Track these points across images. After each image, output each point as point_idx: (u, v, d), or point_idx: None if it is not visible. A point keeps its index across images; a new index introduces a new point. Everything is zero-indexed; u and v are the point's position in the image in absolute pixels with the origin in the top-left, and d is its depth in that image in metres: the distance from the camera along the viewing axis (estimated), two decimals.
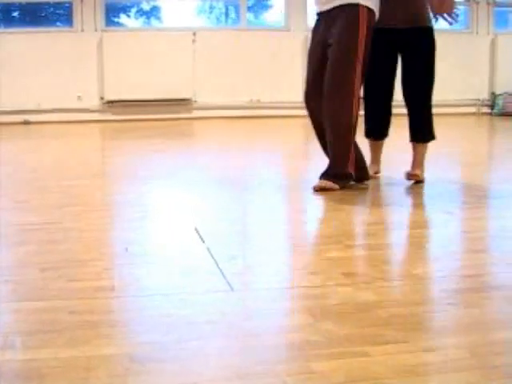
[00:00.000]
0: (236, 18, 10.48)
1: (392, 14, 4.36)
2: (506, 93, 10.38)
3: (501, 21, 10.95)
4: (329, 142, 4.32)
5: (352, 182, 4.36)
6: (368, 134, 4.66)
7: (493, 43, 10.48)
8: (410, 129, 4.53)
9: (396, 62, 4.53)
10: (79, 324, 2.08)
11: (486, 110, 10.64)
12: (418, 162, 4.52)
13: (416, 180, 4.46)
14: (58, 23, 10.09)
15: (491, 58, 10.54)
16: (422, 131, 4.52)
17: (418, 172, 4.48)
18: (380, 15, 4.27)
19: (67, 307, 2.23)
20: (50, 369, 1.78)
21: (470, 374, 1.75)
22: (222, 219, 3.68)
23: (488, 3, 10.34)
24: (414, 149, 4.55)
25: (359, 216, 3.79)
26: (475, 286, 2.47)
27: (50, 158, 5.97)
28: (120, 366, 1.80)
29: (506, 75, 10.50)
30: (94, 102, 9.55)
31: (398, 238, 3.33)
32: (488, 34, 10.46)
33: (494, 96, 10.56)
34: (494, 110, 10.46)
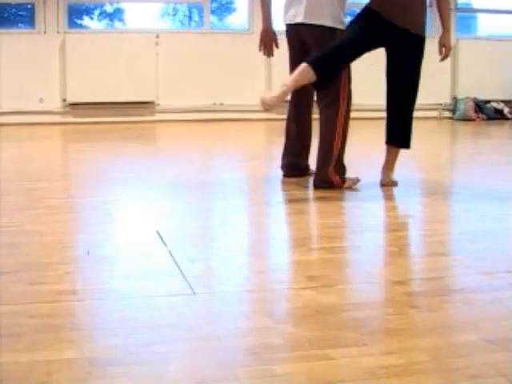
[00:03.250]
0: (199, 21, 10.46)
1: (394, 10, 4.36)
2: (467, 97, 10.47)
3: (463, 26, 11.04)
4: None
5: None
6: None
7: (455, 48, 10.57)
8: (388, 131, 4.54)
9: (373, 49, 4.48)
10: (40, 328, 2.06)
11: (447, 114, 10.72)
12: (391, 165, 4.57)
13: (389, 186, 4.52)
14: (20, 25, 10.00)
15: (453, 62, 10.62)
16: (401, 135, 4.54)
17: (388, 180, 4.54)
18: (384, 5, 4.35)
19: (27, 311, 2.21)
20: (10, 373, 1.76)
21: (431, 377, 1.77)
22: (184, 222, 3.68)
23: (449, 9, 10.42)
24: (389, 152, 4.58)
25: (322, 219, 3.80)
26: (436, 289, 2.49)
27: (10, 161, 5.92)
28: (81, 370, 1.79)
29: (467, 80, 10.60)
30: (56, 105, 9.48)
31: (360, 241, 3.34)
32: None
33: (455, 101, 10.65)
34: (456, 115, 10.54)
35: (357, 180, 4.48)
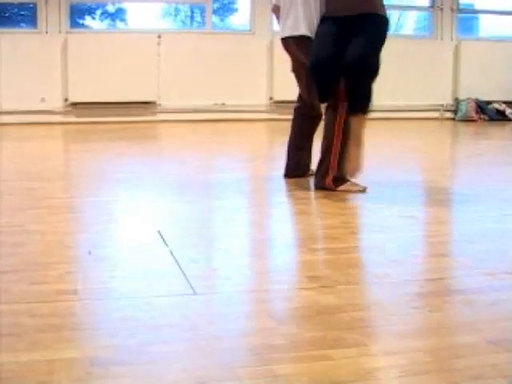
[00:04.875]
0: (201, 21, 10.47)
1: (339, 3, 4.46)
2: (469, 98, 10.47)
3: (465, 27, 11.05)
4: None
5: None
6: None
7: (456, 49, 10.58)
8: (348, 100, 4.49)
9: (343, 49, 4.49)
10: (40, 327, 2.06)
11: (449, 115, 10.73)
12: (357, 140, 4.45)
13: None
14: (22, 24, 10.01)
15: (455, 63, 10.63)
16: (357, 101, 4.44)
17: (352, 167, 4.47)
18: (330, 5, 4.53)
19: (28, 310, 2.21)
20: (11, 373, 1.76)
21: (432, 378, 1.76)
22: (185, 222, 3.68)
23: (452, 9, 10.43)
24: (353, 122, 4.45)
25: (323, 220, 3.80)
26: (437, 290, 2.49)
27: (12, 160, 5.92)
28: (82, 370, 1.79)
29: (469, 81, 10.60)
30: (58, 104, 9.49)
31: (361, 241, 3.35)
32: (452, 40, 10.55)
33: (457, 101, 10.65)
34: (457, 116, 10.55)
35: (358, 187, 4.42)
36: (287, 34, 4.82)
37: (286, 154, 4.93)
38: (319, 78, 4.44)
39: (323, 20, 4.58)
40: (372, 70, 4.38)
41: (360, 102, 4.42)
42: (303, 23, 4.70)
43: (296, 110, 4.98)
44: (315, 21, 4.66)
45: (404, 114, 9.79)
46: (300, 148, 4.90)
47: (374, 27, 4.43)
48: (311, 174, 4.79)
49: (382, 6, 4.46)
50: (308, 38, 4.67)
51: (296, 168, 4.89)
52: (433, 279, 2.63)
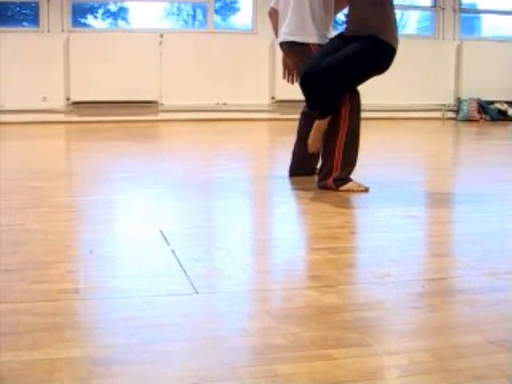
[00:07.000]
0: (203, 21, 10.47)
1: (349, 24, 4.49)
2: (471, 98, 10.46)
3: (467, 27, 11.04)
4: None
5: None
6: None
7: (458, 49, 10.57)
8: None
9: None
10: (42, 326, 2.06)
11: (451, 115, 10.72)
12: (316, 135, 4.52)
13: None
14: (24, 23, 10.01)
15: (457, 63, 10.62)
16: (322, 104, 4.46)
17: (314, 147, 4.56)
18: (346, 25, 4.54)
19: (30, 309, 2.21)
20: (12, 372, 1.76)
21: (434, 378, 1.76)
22: (187, 222, 3.68)
23: (454, 9, 10.42)
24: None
25: (325, 219, 3.80)
26: (439, 290, 2.49)
27: (14, 159, 5.92)
28: (83, 369, 1.79)
29: (471, 81, 10.60)
30: (60, 103, 9.49)
31: (362, 241, 3.34)
32: (454, 39, 10.55)
33: (459, 101, 10.64)
34: (459, 116, 10.54)
35: (360, 187, 4.43)
36: (281, 39, 4.80)
37: (292, 153, 4.94)
38: (306, 90, 4.45)
39: (334, 37, 4.58)
40: (333, 84, 4.38)
41: (319, 107, 4.44)
42: (296, 29, 4.68)
43: (304, 108, 4.97)
44: (313, 26, 4.64)
45: (406, 113, 9.80)
46: (305, 146, 4.89)
47: (367, 47, 4.37)
48: (316, 174, 4.78)
49: (392, 34, 4.38)
50: (300, 44, 4.66)
51: (300, 166, 4.88)
52: (434, 279, 2.63)
